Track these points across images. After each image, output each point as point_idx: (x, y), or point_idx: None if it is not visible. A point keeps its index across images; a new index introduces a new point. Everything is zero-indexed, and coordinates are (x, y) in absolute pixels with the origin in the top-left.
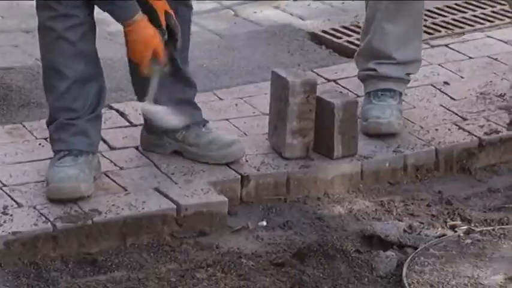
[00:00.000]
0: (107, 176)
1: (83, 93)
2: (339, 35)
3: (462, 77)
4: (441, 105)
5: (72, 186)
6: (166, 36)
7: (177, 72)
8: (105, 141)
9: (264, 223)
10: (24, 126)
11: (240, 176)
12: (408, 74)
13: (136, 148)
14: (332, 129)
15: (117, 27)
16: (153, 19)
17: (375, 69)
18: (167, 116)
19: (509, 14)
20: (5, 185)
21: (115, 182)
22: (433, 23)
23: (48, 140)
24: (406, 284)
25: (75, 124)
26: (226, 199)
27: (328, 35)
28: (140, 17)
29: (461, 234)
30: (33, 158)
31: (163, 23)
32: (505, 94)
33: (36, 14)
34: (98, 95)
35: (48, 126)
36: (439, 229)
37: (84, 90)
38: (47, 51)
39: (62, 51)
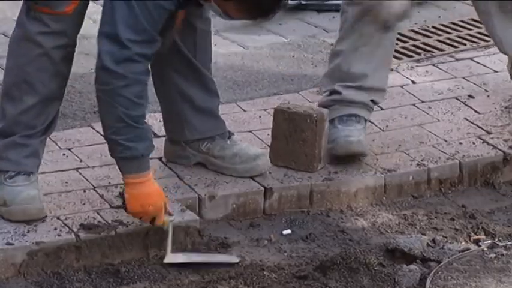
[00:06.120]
0: None
1: (46, 111)
2: None
3: (486, 91)
4: (465, 119)
5: (37, 207)
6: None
7: (199, 79)
8: None
9: (289, 231)
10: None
11: (263, 188)
12: (373, 101)
13: (160, 159)
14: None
15: None
16: None
17: (339, 92)
18: (195, 258)
19: None
20: None
21: None
22: (458, 36)
23: (72, 150)
24: None
25: (29, 145)
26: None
27: None
28: (152, 172)
29: (485, 249)
30: (57, 168)
31: None
32: None
33: (21, 22)
34: (55, 116)
35: None
36: (463, 243)
37: (47, 109)
38: (26, 64)
39: (43, 68)
